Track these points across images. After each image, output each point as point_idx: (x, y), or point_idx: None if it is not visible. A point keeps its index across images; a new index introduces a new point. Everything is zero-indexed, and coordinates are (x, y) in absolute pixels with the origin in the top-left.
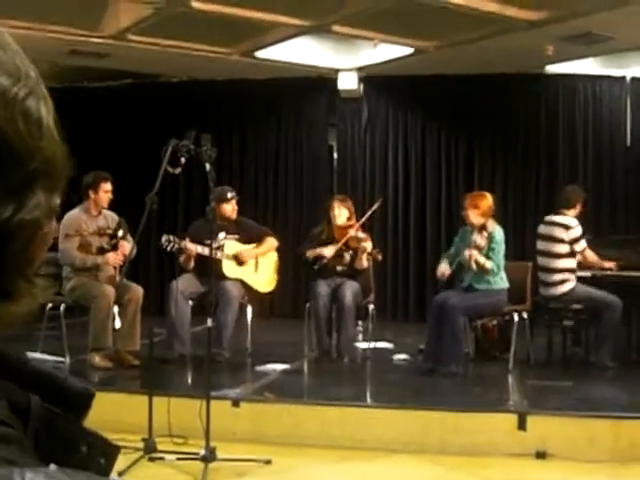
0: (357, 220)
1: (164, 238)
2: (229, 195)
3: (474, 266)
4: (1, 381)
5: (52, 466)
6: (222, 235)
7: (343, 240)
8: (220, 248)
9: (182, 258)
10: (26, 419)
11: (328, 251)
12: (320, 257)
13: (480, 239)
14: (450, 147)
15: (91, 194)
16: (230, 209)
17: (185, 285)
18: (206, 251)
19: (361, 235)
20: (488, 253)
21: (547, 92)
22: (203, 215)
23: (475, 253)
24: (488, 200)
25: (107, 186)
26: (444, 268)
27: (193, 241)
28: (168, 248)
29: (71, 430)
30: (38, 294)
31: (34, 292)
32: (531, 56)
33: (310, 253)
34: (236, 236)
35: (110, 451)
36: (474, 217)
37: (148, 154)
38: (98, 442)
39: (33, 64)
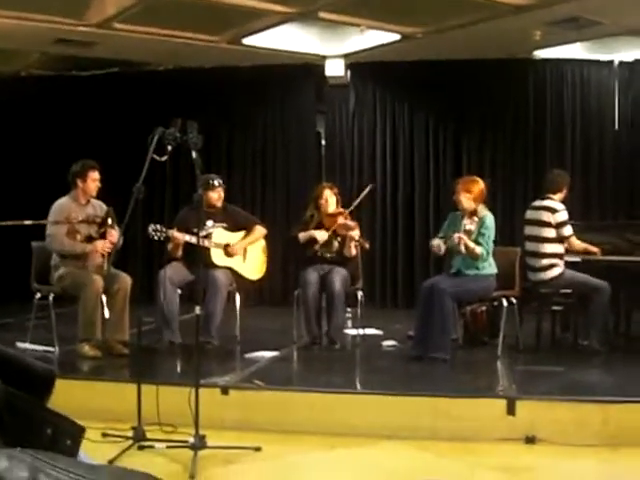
0: (343, 207)
1: (151, 228)
2: (216, 183)
3: (463, 250)
4: None
5: (18, 449)
6: (210, 223)
7: (333, 227)
8: (208, 236)
9: (170, 247)
10: None
11: (321, 235)
12: (312, 241)
13: (470, 224)
14: (438, 133)
15: (79, 183)
16: (216, 197)
17: (174, 273)
18: (194, 239)
19: (350, 223)
20: (478, 238)
21: (535, 77)
22: (190, 203)
23: (464, 237)
24: (480, 185)
25: (95, 175)
26: (439, 242)
27: (180, 230)
28: (155, 237)
29: (35, 412)
30: None
31: None
32: (519, 41)
33: (303, 236)
34: (224, 224)
35: (76, 432)
36: (466, 202)
37: (135, 142)
38: (63, 424)
39: (21, 53)
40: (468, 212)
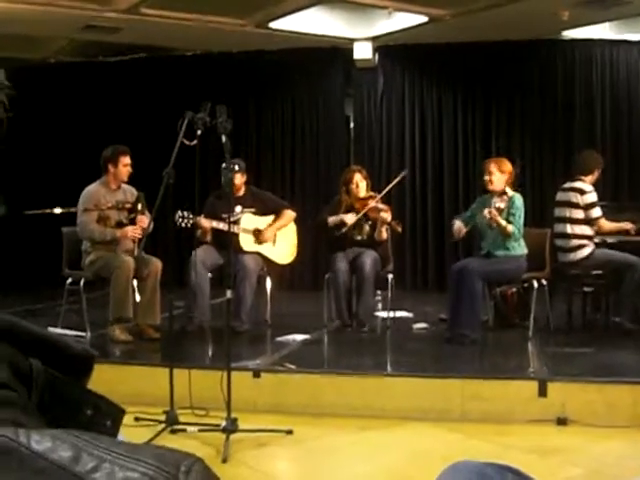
0: (373, 190)
1: (177, 215)
2: (236, 167)
3: (494, 224)
4: (1, 345)
5: (61, 429)
6: (238, 209)
7: (364, 210)
8: (236, 222)
9: (198, 232)
10: (29, 383)
11: (349, 218)
12: (341, 224)
13: (501, 202)
14: (466, 115)
15: (110, 168)
16: (235, 181)
17: (205, 256)
18: (221, 226)
19: (381, 206)
20: (508, 218)
21: (563, 58)
22: (217, 190)
23: (495, 212)
24: (510, 166)
25: (126, 160)
26: (460, 225)
27: (208, 216)
28: (182, 224)
29: (75, 393)
30: None
31: None
32: (547, 22)
33: (332, 220)
34: (252, 209)
35: (116, 413)
36: (498, 180)
37: (164, 127)
38: (103, 404)
39: (49, 40)
40: (498, 192)
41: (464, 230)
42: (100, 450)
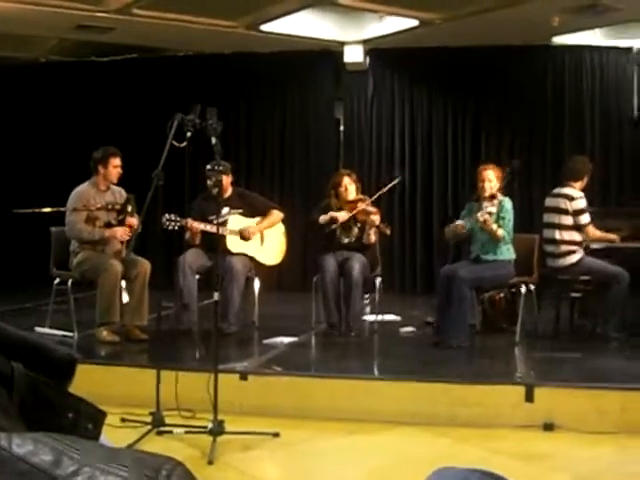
0: (363, 193)
1: (164, 218)
2: (220, 168)
3: (487, 228)
4: None
5: (42, 433)
6: (225, 210)
7: (354, 211)
8: (224, 223)
9: (187, 235)
10: (10, 387)
11: (342, 215)
12: (333, 220)
13: (492, 206)
14: (456, 119)
15: (100, 169)
16: (223, 182)
17: (193, 259)
18: (209, 227)
19: (370, 209)
20: (498, 221)
21: (553, 63)
22: (204, 191)
23: (488, 217)
24: (501, 171)
25: (116, 161)
26: (461, 222)
27: (196, 219)
28: (169, 227)
29: (56, 396)
30: None
31: None
32: (537, 27)
33: (323, 218)
34: (240, 210)
35: (97, 416)
36: (493, 183)
37: (154, 128)
38: (85, 408)
39: (40, 39)
40: (488, 196)
41: (468, 226)
42: (81, 454)
